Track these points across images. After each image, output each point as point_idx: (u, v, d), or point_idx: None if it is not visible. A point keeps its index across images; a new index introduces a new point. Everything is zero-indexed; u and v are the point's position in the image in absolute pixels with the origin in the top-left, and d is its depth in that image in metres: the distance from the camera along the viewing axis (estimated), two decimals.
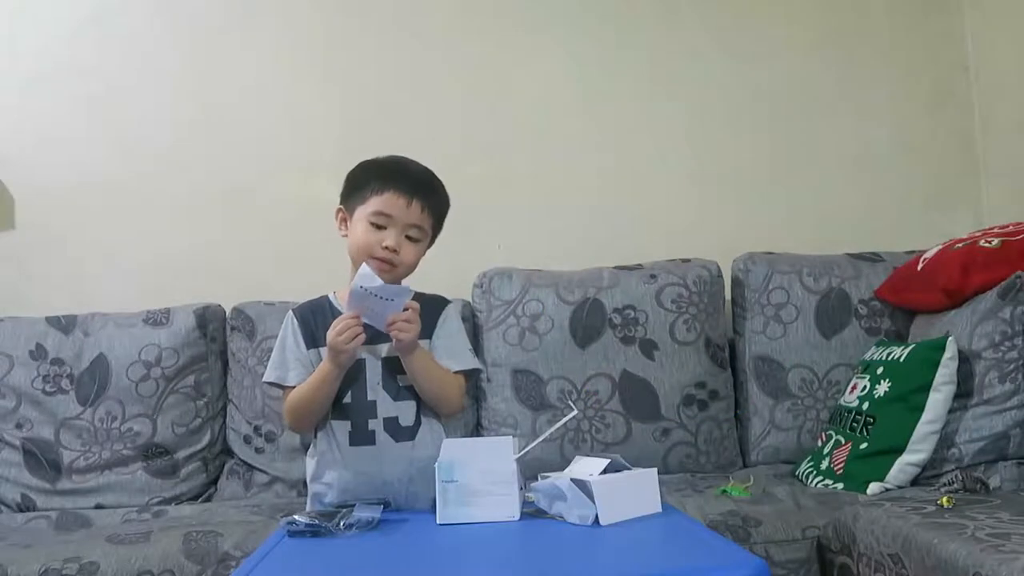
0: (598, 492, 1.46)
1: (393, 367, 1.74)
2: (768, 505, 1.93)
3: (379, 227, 1.74)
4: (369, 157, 1.84)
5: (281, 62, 2.79)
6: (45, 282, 2.69)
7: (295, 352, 1.78)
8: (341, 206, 1.81)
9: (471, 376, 1.86)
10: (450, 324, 1.83)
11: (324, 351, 1.74)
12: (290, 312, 1.84)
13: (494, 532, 1.49)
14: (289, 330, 1.81)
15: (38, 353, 2.42)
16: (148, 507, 2.34)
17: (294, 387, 1.76)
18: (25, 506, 2.36)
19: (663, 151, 2.82)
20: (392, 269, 1.75)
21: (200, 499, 2.41)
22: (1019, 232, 2.21)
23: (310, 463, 1.80)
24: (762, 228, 2.76)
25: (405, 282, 1.80)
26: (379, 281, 1.63)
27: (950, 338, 2.07)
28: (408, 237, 1.75)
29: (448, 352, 1.79)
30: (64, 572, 1.78)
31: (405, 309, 1.65)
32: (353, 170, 1.82)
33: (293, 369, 1.77)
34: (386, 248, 1.73)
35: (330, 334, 1.66)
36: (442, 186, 1.83)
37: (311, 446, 1.82)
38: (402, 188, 1.73)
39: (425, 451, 1.71)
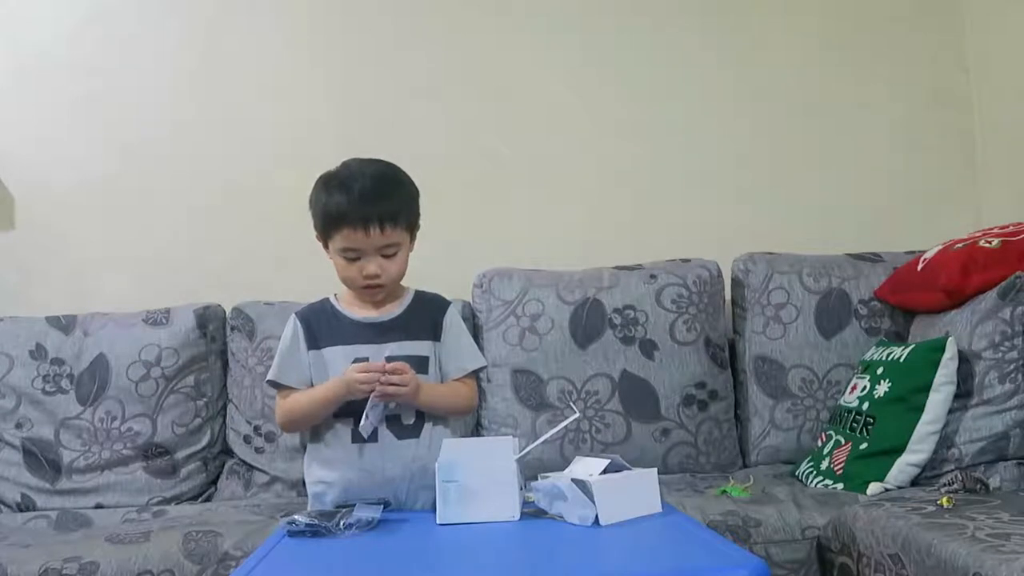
0: (598, 492, 1.46)
1: None
2: (768, 505, 1.93)
3: (353, 259, 1.73)
4: (361, 157, 1.80)
5: (281, 61, 2.78)
6: (45, 282, 2.68)
7: (295, 354, 1.78)
8: (316, 232, 1.78)
9: (477, 372, 1.87)
10: (455, 327, 1.84)
11: (325, 352, 1.76)
12: (293, 315, 1.83)
13: (494, 532, 1.49)
14: (290, 332, 1.80)
15: (38, 353, 2.42)
16: (148, 507, 2.34)
17: (291, 388, 1.76)
18: (25, 506, 2.36)
19: (663, 151, 2.82)
20: (382, 288, 1.76)
21: (200, 499, 2.42)
22: (1019, 232, 2.21)
23: (311, 463, 1.79)
24: (762, 228, 2.75)
25: (403, 282, 1.81)
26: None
27: (950, 338, 2.07)
28: (384, 255, 1.73)
29: (457, 355, 1.81)
30: (64, 572, 1.78)
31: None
32: (310, 196, 1.77)
33: (293, 371, 1.77)
34: (367, 276, 1.73)
35: (354, 375, 1.65)
36: (397, 182, 1.76)
37: (312, 446, 1.81)
38: (355, 220, 1.69)
39: (428, 448, 1.72)
